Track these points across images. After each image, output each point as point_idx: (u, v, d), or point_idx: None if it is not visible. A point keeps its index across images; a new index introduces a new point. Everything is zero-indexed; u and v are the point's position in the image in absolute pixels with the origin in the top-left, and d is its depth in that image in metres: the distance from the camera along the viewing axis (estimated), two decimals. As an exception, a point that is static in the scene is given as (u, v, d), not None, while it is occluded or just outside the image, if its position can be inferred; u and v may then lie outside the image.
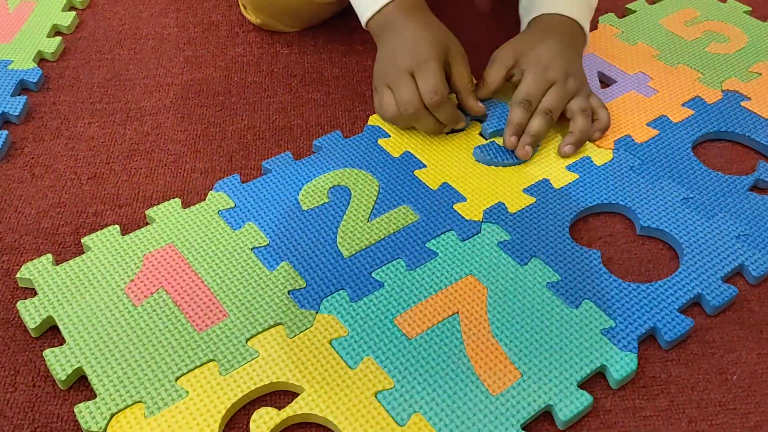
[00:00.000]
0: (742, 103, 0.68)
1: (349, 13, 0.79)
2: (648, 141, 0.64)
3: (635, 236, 0.57)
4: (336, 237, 0.55)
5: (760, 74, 0.72)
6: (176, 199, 0.57)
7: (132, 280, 0.51)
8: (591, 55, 0.74)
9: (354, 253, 0.54)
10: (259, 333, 0.48)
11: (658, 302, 0.51)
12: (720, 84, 0.70)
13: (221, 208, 0.57)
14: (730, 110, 0.68)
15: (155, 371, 0.46)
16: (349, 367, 0.47)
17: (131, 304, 0.50)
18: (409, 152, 0.63)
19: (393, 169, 0.61)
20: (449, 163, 0.62)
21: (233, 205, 0.57)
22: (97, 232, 0.55)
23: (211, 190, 0.59)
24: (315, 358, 0.47)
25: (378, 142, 0.63)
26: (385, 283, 0.52)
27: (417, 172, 0.61)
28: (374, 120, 0.65)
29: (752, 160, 0.64)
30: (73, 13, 0.78)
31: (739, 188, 0.60)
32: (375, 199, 0.58)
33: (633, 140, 0.64)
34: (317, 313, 0.50)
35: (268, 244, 0.54)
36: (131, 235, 0.55)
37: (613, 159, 0.62)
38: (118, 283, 0.51)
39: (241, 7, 0.77)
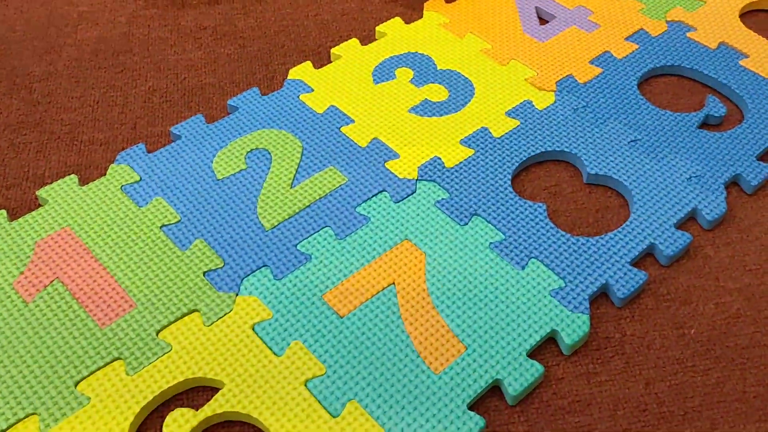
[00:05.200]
0: (688, 34, 0.64)
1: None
2: (591, 80, 0.60)
3: (582, 185, 0.53)
4: (256, 208, 0.49)
5: (705, 2, 0.67)
6: (72, 176, 0.51)
7: (22, 273, 0.45)
8: (527, -11, 0.68)
9: (276, 224, 0.48)
10: (171, 323, 0.43)
11: (609, 256, 0.47)
12: (664, 14, 0.66)
13: (124, 183, 0.50)
14: (676, 42, 0.63)
15: (51, 377, 0.40)
16: (275, 355, 0.42)
17: (21, 301, 0.43)
18: (334, 107, 0.57)
19: (317, 126, 0.55)
20: (379, 116, 0.56)
21: (138, 178, 0.51)
22: (-20, 220, 0.48)
23: (112, 162, 0.53)
24: (236, 347, 0.42)
25: (299, 97, 0.57)
26: (313, 256, 0.47)
27: (344, 129, 0.55)
28: (295, 74, 0.59)
29: (700, 94, 0.60)
30: (-52, -32, 0.69)
31: (689, 126, 0.56)
32: (298, 162, 0.52)
33: (576, 80, 0.60)
34: (237, 295, 0.44)
35: (179, 221, 0.48)
36: (20, 220, 0.48)
37: (555, 102, 0.58)
38: (4, 276, 0.45)
39: None
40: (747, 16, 0.68)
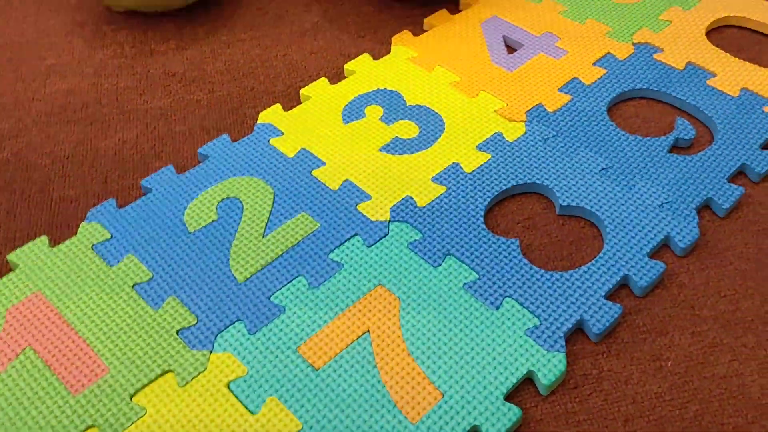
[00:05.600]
0: (655, 56, 0.64)
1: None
2: (561, 108, 0.60)
3: (555, 217, 0.53)
4: (228, 260, 0.49)
5: (671, 22, 0.68)
6: (43, 237, 0.50)
7: (-6, 342, 0.45)
8: (494, 18, 0.68)
9: (249, 276, 0.48)
10: (145, 386, 0.43)
11: (583, 291, 0.47)
12: (630, 37, 0.66)
13: (95, 242, 0.50)
14: (643, 65, 0.64)
15: (25, 450, 0.40)
16: (250, 413, 0.42)
17: (-7, 372, 0.43)
18: (305, 149, 0.57)
19: (288, 171, 0.55)
20: (350, 157, 0.56)
21: (109, 236, 0.51)
22: (-49, 289, 0.48)
23: (83, 220, 0.52)
24: (211, 408, 0.42)
25: (270, 142, 0.57)
26: (286, 308, 0.47)
27: (315, 172, 0.55)
28: (264, 117, 0.59)
29: (670, 116, 0.60)
30: None
31: (659, 150, 0.56)
32: (270, 209, 0.52)
33: (545, 109, 0.60)
34: (211, 352, 0.44)
35: (151, 278, 0.48)
36: (-9, 286, 0.48)
37: (525, 132, 0.58)
38: (-23, 347, 0.44)
39: None
40: (713, 33, 0.68)
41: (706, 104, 0.60)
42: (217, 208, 0.52)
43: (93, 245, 0.50)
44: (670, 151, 0.57)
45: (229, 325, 0.46)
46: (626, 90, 0.62)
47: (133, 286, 0.48)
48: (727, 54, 0.64)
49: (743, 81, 0.62)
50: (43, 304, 0.46)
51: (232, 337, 0.45)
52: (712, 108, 0.59)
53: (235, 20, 0.70)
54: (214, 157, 0.56)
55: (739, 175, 0.56)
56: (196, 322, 0.46)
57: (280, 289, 0.48)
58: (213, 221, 0.52)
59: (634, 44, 0.66)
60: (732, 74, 0.62)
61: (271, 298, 0.47)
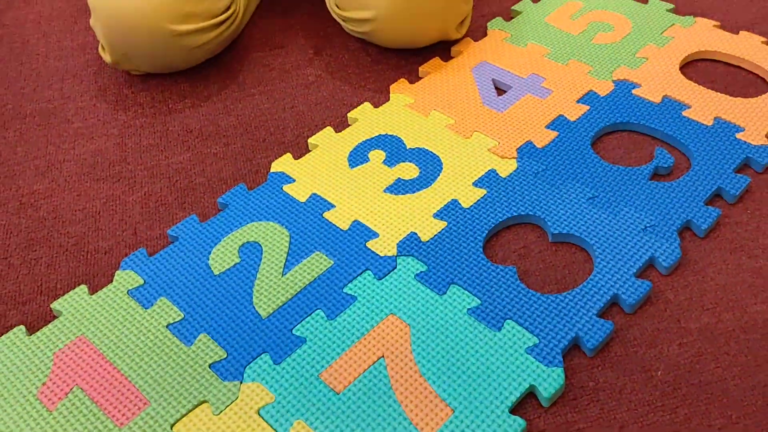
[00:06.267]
0: (634, 91, 0.70)
1: (233, 53, 0.78)
2: (549, 144, 0.65)
3: (548, 244, 0.58)
4: (252, 298, 0.54)
5: (647, 58, 0.73)
6: (82, 286, 0.55)
7: (44, 384, 0.49)
8: (483, 63, 0.74)
9: (272, 312, 0.53)
10: (183, 416, 0.47)
11: (577, 310, 0.52)
12: (610, 74, 0.72)
13: (130, 288, 0.55)
14: (623, 100, 0.69)
15: (79, 479, 0.44)
16: (281, 436, 0.46)
17: (46, 410, 0.48)
18: (316, 194, 0.62)
19: (301, 215, 0.60)
20: (358, 199, 0.61)
21: (142, 282, 0.56)
22: (2, 337, 0.52)
23: (117, 269, 0.57)
24: (244, 433, 0.46)
25: (283, 189, 0.62)
26: (307, 339, 0.51)
27: (326, 215, 0.60)
28: (277, 166, 0.65)
29: (650, 146, 0.66)
30: (-49, 98, 0.75)
31: (640, 178, 0.61)
32: (287, 250, 0.57)
33: (534, 146, 0.65)
34: (241, 383, 0.49)
35: (183, 318, 0.53)
36: (38, 333, 0.52)
37: (517, 168, 0.63)
38: (29, 389, 0.49)
39: (100, 48, 0.74)
40: (687, 67, 0.74)
41: (683, 134, 0.65)
42: (238, 252, 0.57)
43: (128, 291, 0.55)
44: (651, 179, 0.62)
45: (256, 357, 0.50)
46: (608, 124, 0.67)
47: (167, 326, 0.52)
48: (701, 86, 0.70)
49: (716, 111, 0.67)
50: (87, 346, 0.51)
51: (259, 368, 0.49)
52: (688, 137, 0.65)
53: (245, 76, 0.76)
54: (232, 205, 0.61)
55: (715, 197, 0.60)
56: (226, 356, 0.50)
57: (301, 322, 0.52)
58: (236, 264, 0.56)
59: (614, 81, 0.71)
60: (706, 105, 0.67)
61: (293, 331, 0.52)
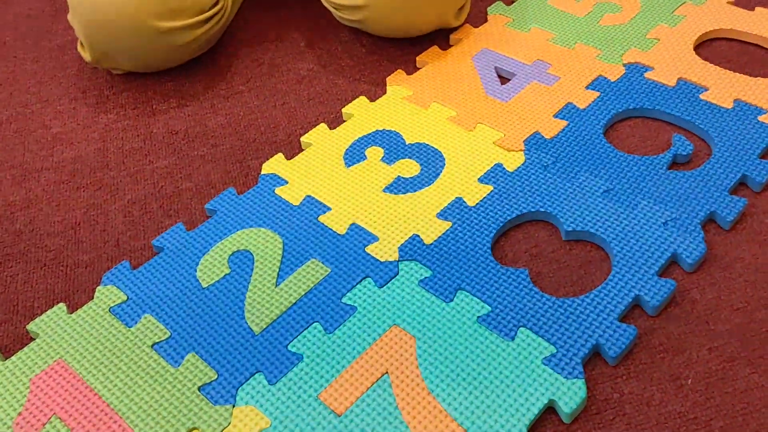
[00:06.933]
0: (646, 75, 0.65)
1: (219, 49, 0.74)
2: (558, 134, 0.61)
3: (561, 243, 0.54)
4: (244, 312, 0.50)
5: (659, 39, 0.69)
6: (61, 305, 0.51)
7: (19, 413, 0.45)
8: (484, 50, 0.70)
9: (265, 327, 0.49)
10: (171, 446, 0.43)
11: (596, 315, 0.48)
12: (620, 58, 0.68)
13: (112, 304, 0.51)
14: (635, 85, 0.65)
15: None
16: (277, 465, 0.42)
17: (21, 444, 0.44)
18: (310, 196, 0.58)
19: (295, 219, 0.56)
20: (355, 200, 0.57)
21: (126, 298, 0.51)
22: (-26, 363, 0.48)
23: (99, 284, 0.53)
24: (238, 462, 0.42)
25: (275, 191, 0.58)
26: (304, 355, 0.47)
27: (322, 218, 0.56)
28: (268, 168, 0.60)
29: (666, 133, 0.61)
30: (-77, 106, 0.71)
31: (658, 168, 0.57)
32: (280, 259, 0.53)
33: (543, 136, 0.61)
34: (234, 406, 0.45)
35: (169, 337, 0.49)
36: (13, 358, 0.48)
37: (525, 161, 0.59)
38: (3, 419, 0.45)
39: (78, 45, 0.70)
40: (702, 47, 0.69)
41: (701, 119, 0.61)
42: (228, 262, 0.53)
43: (110, 308, 0.51)
44: (669, 168, 0.58)
45: (249, 378, 0.46)
46: (620, 111, 0.62)
47: (152, 346, 0.48)
48: (717, 67, 0.65)
49: (736, 92, 0.62)
50: (66, 371, 0.47)
51: (253, 390, 0.45)
52: (707, 122, 0.60)
53: (233, 73, 0.72)
54: (221, 211, 0.57)
55: (740, 186, 0.56)
56: (216, 377, 0.46)
57: (297, 337, 0.48)
58: (226, 275, 0.52)
59: (624, 65, 0.67)
60: (724, 87, 0.63)
61: (289, 347, 0.48)
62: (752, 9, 0.72)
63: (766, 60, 0.67)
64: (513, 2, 0.77)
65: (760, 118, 0.60)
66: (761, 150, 0.58)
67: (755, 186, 0.56)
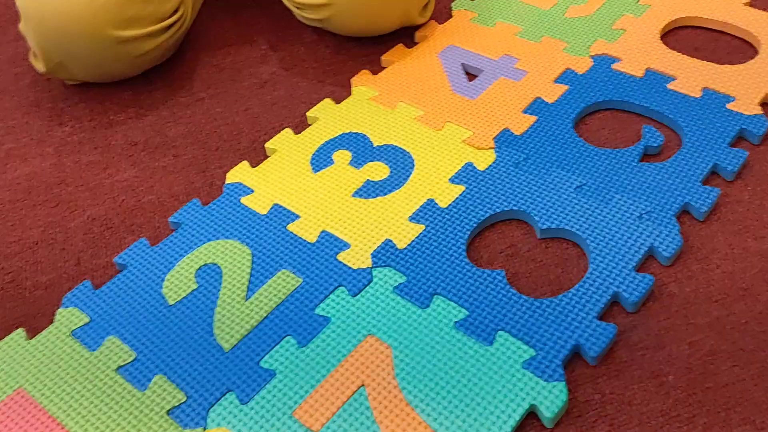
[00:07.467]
0: (614, 66, 0.65)
1: (179, 55, 0.72)
2: (528, 130, 0.60)
3: (537, 241, 0.53)
4: (213, 329, 0.48)
5: (625, 30, 0.68)
6: (19, 330, 0.49)
7: (-22, 449, 0.43)
8: (450, 47, 0.69)
9: (236, 343, 0.47)
10: (141, 474, 0.41)
11: (575, 314, 0.46)
12: (587, 50, 0.67)
13: (74, 327, 0.49)
14: (603, 76, 0.64)
15: None
16: (253, 488, 0.40)
17: (-19, 481, 0.41)
18: (277, 205, 0.56)
19: (263, 229, 0.54)
20: (324, 206, 0.55)
21: (88, 320, 0.49)
22: (-71, 397, 0.46)
23: (59, 306, 0.51)
24: (212, 488, 0.40)
25: (241, 201, 0.56)
26: (277, 371, 0.45)
27: (290, 227, 0.54)
28: (233, 176, 0.58)
29: (636, 124, 0.60)
30: None
31: (630, 161, 0.56)
32: (249, 271, 0.51)
33: (512, 133, 0.59)
34: (204, 429, 0.43)
35: (135, 359, 0.47)
36: (-30, 389, 0.46)
37: (496, 159, 0.57)
38: (-39, 456, 0.43)
39: (31, 56, 0.67)
40: (668, 36, 0.69)
41: (670, 108, 0.60)
42: (195, 277, 0.51)
43: (72, 331, 0.49)
44: (641, 160, 0.57)
45: (220, 398, 0.44)
46: (590, 104, 0.62)
47: (116, 370, 0.46)
48: (685, 55, 0.65)
49: (704, 81, 0.62)
50: (27, 401, 0.45)
51: (224, 410, 0.44)
52: (676, 111, 0.60)
53: (193, 80, 0.70)
54: (186, 224, 0.55)
55: (712, 175, 0.56)
56: (186, 399, 0.44)
57: (269, 352, 0.46)
58: (193, 291, 0.50)
59: (591, 57, 0.66)
60: (692, 75, 0.63)
61: (261, 363, 0.46)
62: (716, -4, 0.72)
63: (732, 46, 0.67)
64: (477, -3, 0.76)
65: (729, 105, 0.60)
66: (731, 138, 0.57)
67: (727, 175, 0.55)
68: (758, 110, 0.59)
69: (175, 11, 0.66)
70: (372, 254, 0.51)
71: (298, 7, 0.68)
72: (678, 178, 0.54)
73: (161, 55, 0.67)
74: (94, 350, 0.47)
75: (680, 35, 0.69)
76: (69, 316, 0.50)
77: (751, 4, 0.70)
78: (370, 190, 0.56)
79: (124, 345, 0.48)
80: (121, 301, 0.50)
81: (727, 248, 0.51)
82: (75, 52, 0.62)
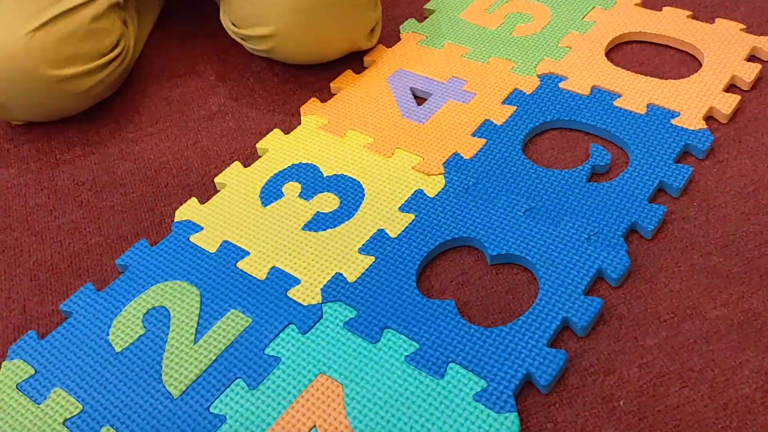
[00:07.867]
0: (560, 85, 0.65)
1: (125, 89, 0.71)
2: (477, 154, 0.60)
3: (488, 268, 0.53)
4: (161, 375, 0.47)
5: (570, 48, 0.69)
6: (-38, 386, 0.48)
7: None
8: (399, 71, 0.68)
9: (185, 389, 0.46)
10: None
11: (525, 342, 0.46)
12: (534, 69, 0.67)
13: (19, 380, 0.48)
14: (551, 96, 0.64)
15: None
16: None
17: None
18: (227, 242, 0.55)
19: (212, 268, 0.53)
20: (274, 242, 0.55)
21: (33, 371, 0.48)
22: None
23: (4, 359, 0.50)
24: None
25: (190, 240, 0.56)
26: (227, 416, 0.45)
27: (240, 264, 0.53)
28: (181, 214, 0.58)
29: (584, 143, 0.61)
30: None
31: (578, 182, 0.56)
32: (198, 312, 0.51)
33: (462, 157, 0.60)
34: (154, 482, 0.42)
35: (82, 411, 0.46)
36: None
37: (446, 185, 0.57)
38: None
39: None
40: (613, 52, 0.69)
41: (616, 126, 0.60)
42: (143, 321, 0.50)
43: (17, 384, 0.48)
44: (589, 180, 0.58)
45: (170, 448, 0.44)
46: (537, 124, 0.62)
47: (63, 423, 0.45)
48: (629, 72, 0.65)
49: (648, 97, 0.63)
50: (-31, 462, 0.44)
51: (174, 461, 0.43)
52: (622, 129, 0.60)
53: (140, 114, 0.69)
54: (133, 266, 0.54)
55: (659, 192, 0.56)
56: (134, 451, 0.44)
57: (219, 397, 0.46)
58: (140, 336, 0.50)
59: (539, 76, 0.66)
60: (637, 92, 0.63)
61: (210, 409, 0.45)
62: (660, 9, 0.73)
63: (676, 60, 0.67)
64: (426, 18, 0.76)
65: (674, 121, 0.60)
66: (676, 154, 0.58)
67: (672, 191, 0.56)
68: (702, 125, 0.60)
69: (116, 46, 0.65)
70: (322, 289, 0.51)
71: (243, 39, 0.68)
72: (625, 197, 0.55)
73: (104, 90, 0.66)
74: (40, 403, 0.46)
75: (625, 50, 0.69)
76: (14, 369, 0.48)
77: (693, 17, 0.71)
78: (320, 222, 0.56)
79: (71, 397, 0.47)
80: (67, 351, 0.49)
81: (674, 266, 0.51)
82: (14, 94, 0.61)
